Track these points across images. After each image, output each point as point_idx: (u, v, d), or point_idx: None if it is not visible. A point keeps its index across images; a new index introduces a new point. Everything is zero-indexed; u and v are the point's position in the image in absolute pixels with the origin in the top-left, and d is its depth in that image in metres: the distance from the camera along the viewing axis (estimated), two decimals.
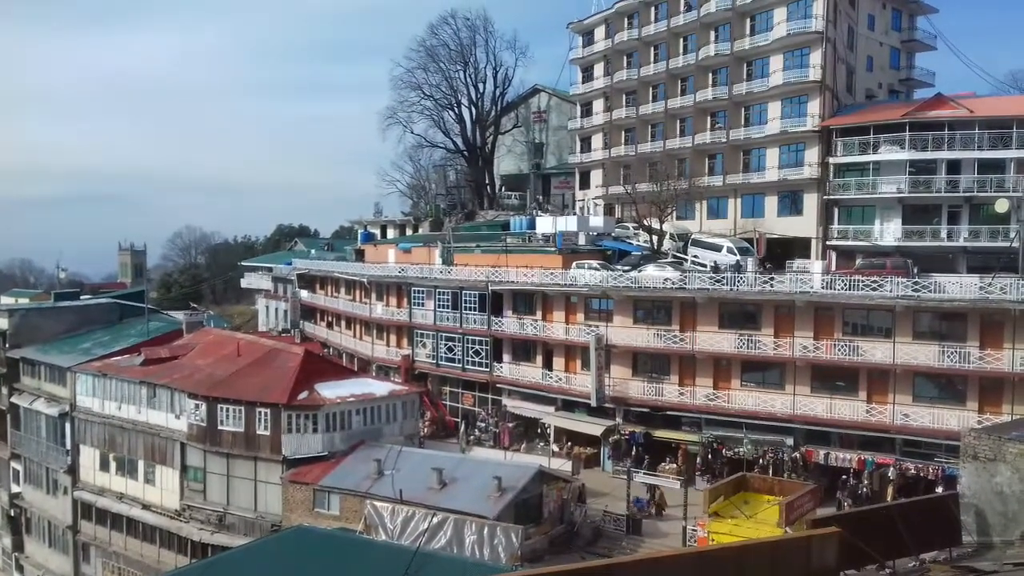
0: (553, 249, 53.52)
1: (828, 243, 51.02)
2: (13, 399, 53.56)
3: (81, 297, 68.48)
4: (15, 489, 54.20)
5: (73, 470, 48.24)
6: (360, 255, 72.75)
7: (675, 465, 42.71)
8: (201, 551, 39.77)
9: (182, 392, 41.86)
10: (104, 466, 46.61)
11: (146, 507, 43.70)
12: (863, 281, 38.67)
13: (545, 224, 59.19)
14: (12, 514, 54.65)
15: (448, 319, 54.68)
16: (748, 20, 56.36)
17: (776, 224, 53.86)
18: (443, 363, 55.43)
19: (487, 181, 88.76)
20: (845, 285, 38.98)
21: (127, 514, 44.59)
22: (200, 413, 40.51)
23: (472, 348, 53.37)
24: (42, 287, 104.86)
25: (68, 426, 48.47)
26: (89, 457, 47.50)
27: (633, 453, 43.92)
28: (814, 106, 52.03)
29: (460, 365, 54.20)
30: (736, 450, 41.12)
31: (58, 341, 53.45)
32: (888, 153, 48.50)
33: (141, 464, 44.34)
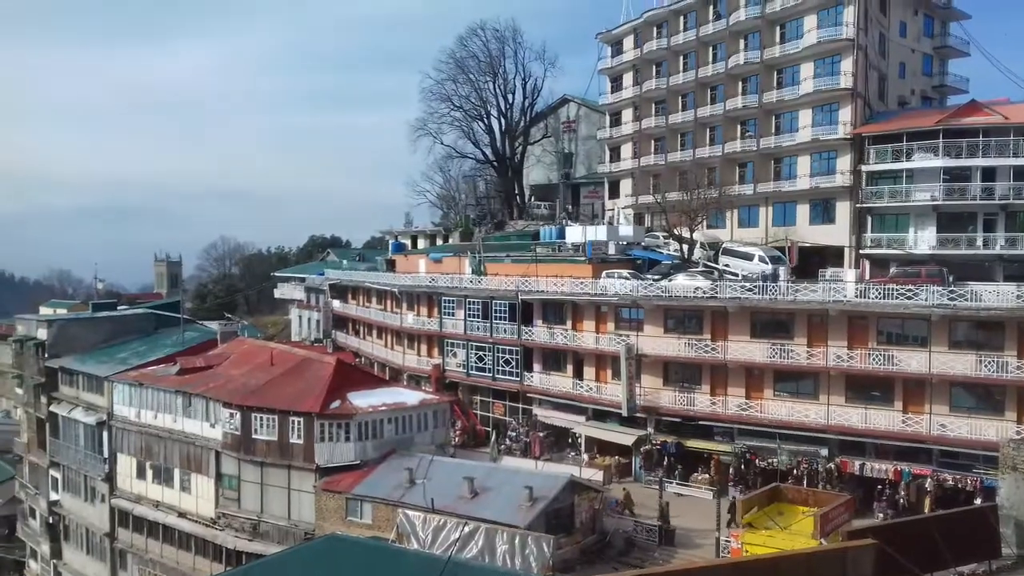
0: (583, 259, 53.52)
1: (861, 252, 50.53)
2: (52, 408, 54.47)
3: (118, 307, 69.63)
4: (53, 497, 55.06)
5: (110, 478, 48.97)
6: (391, 265, 73.24)
7: (708, 475, 42.45)
8: (236, 559, 40.22)
9: (217, 401, 42.38)
10: (141, 474, 47.29)
11: (182, 515, 44.25)
12: (897, 290, 38.23)
13: (575, 234, 59.23)
14: (51, 521, 55.51)
15: (478, 329, 54.85)
16: (778, 28, 56.12)
17: (808, 233, 53.47)
18: (473, 372, 55.58)
19: (516, 191, 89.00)
20: (879, 294, 38.57)
21: (163, 522, 45.18)
22: (234, 422, 40.99)
23: (502, 357, 53.49)
24: (80, 298, 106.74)
25: (105, 435, 49.22)
26: (126, 465, 48.21)
27: (665, 463, 43.72)
28: (846, 113, 51.66)
29: (491, 374, 54.31)
30: (770, 460, 40.77)
31: (96, 351, 54.34)
32: (922, 160, 47.99)
33: (177, 472, 44.92)
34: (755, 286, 42.29)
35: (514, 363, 52.78)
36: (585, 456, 47.04)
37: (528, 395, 52.26)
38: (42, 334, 56.13)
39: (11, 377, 70.87)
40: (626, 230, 59.80)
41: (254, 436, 40.34)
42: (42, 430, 56.46)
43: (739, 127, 59.33)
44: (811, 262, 51.05)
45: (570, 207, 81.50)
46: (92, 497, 51.01)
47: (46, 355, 55.10)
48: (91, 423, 50.15)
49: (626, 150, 70.20)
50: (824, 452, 39.43)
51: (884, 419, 38.13)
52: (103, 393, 49.57)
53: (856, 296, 39.27)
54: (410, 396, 43.89)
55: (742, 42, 58.45)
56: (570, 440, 49.50)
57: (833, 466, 38.90)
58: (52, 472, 55.23)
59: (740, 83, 58.89)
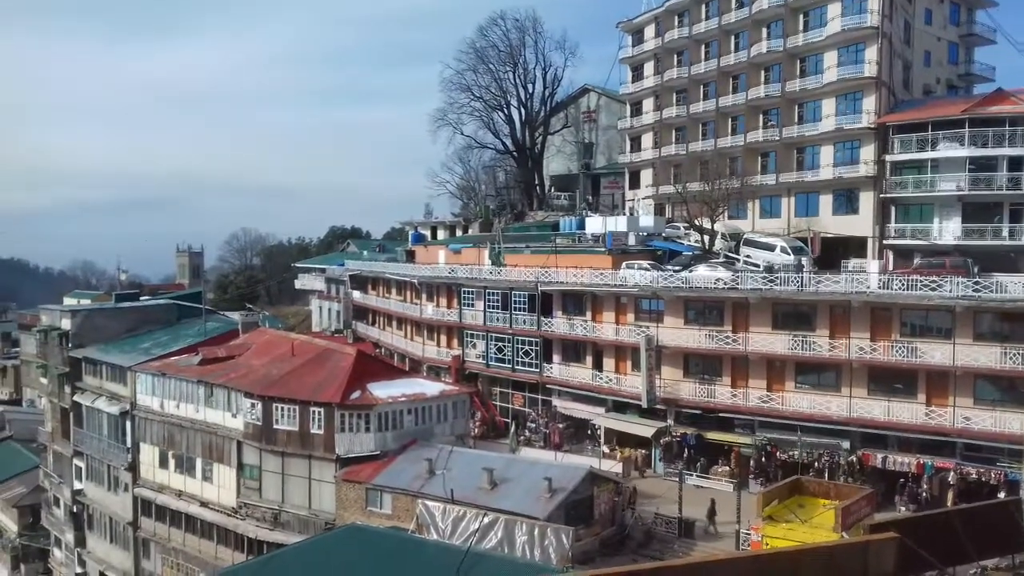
0: (603, 249, 53.35)
1: (885, 242, 49.96)
2: (76, 398, 55.00)
3: (141, 298, 70.16)
4: (77, 486, 55.61)
5: (133, 467, 49.41)
6: (411, 256, 73.33)
7: (728, 468, 42.25)
8: (257, 548, 40.49)
9: (238, 391, 42.64)
10: (163, 464, 47.70)
11: (204, 504, 44.60)
12: (921, 281, 37.84)
13: (595, 224, 59.05)
14: (75, 510, 56.08)
15: (498, 320, 54.85)
16: (801, 16, 55.50)
17: (831, 223, 52.94)
18: (493, 363, 55.60)
19: (536, 182, 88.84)
20: (903, 285, 38.18)
21: (185, 511, 45.55)
22: (256, 412, 41.24)
23: (522, 349, 53.45)
24: (103, 288, 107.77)
25: (129, 424, 49.64)
26: (149, 455, 48.64)
27: (685, 455, 43.56)
28: (870, 103, 51.04)
29: (510, 366, 54.31)
30: (790, 453, 40.51)
31: (119, 341, 54.76)
32: (947, 150, 47.35)
33: (199, 462, 45.27)
34: (777, 277, 41.96)
35: (534, 354, 52.74)
36: (605, 448, 46.97)
37: (547, 386, 52.22)
38: (66, 324, 56.64)
39: (36, 367, 71.64)
40: (646, 221, 59.52)
41: (275, 426, 40.56)
42: (66, 419, 57.02)
43: (761, 116, 58.81)
44: (834, 253, 50.53)
45: (590, 197, 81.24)
46: (115, 486, 51.50)
47: (70, 345, 55.59)
48: (114, 413, 50.59)
49: (647, 140, 69.79)
50: (846, 445, 39.13)
51: (907, 412, 37.78)
52: (126, 383, 49.99)
53: (879, 287, 38.90)
54: (430, 387, 43.96)
55: (765, 30, 57.87)
56: (589, 432, 49.44)
57: (855, 459, 38.62)
58: (76, 461, 55.78)
59: (763, 72, 58.33)
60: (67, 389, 56.25)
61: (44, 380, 63.98)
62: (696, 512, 36.57)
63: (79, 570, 55.98)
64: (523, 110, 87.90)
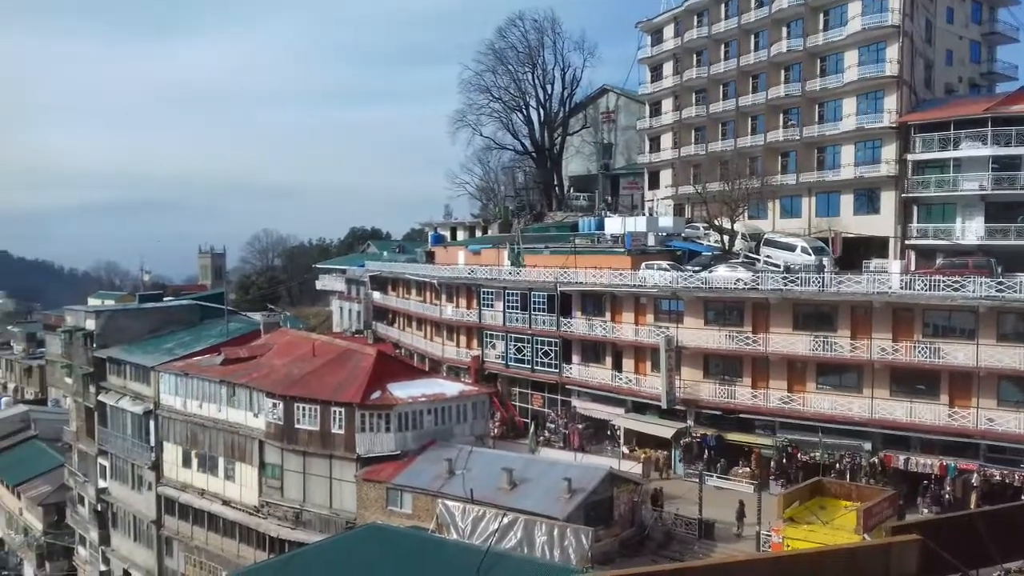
0: (622, 250, 53.28)
1: (907, 242, 49.64)
2: (100, 397, 55.56)
3: (164, 299, 70.79)
4: (102, 484, 56.15)
5: (157, 466, 49.88)
6: (430, 257, 73.57)
7: (748, 469, 42.10)
8: (279, 547, 40.74)
9: (260, 391, 42.95)
10: (186, 463, 48.12)
11: (226, 503, 44.98)
12: (944, 281, 37.53)
13: (614, 225, 59.00)
14: (99, 509, 56.63)
15: (517, 320, 54.92)
16: (821, 15, 55.23)
17: (852, 223, 52.65)
18: (512, 364, 55.68)
19: (555, 182, 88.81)
20: (925, 285, 37.90)
21: (208, 509, 45.95)
22: (277, 412, 41.53)
23: (541, 349, 53.50)
24: (127, 289, 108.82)
25: (152, 423, 50.11)
26: (172, 454, 49.09)
27: (705, 456, 43.44)
28: (891, 102, 50.70)
29: (529, 366, 54.37)
30: (811, 454, 40.29)
31: (142, 341, 55.26)
32: (970, 149, 46.94)
33: (221, 461, 45.64)
34: (797, 277, 41.77)
35: (553, 355, 52.76)
36: (624, 448, 46.93)
37: (567, 387, 52.24)
38: (90, 325, 57.21)
39: (61, 367, 72.45)
40: (666, 221, 59.40)
41: (296, 426, 40.84)
42: (91, 419, 57.60)
43: (782, 116, 58.54)
44: (855, 253, 50.30)
45: (609, 198, 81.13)
46: (139, 485, 52.00)
47: (94, 345, 56.14)
48: (138, 412, 51.09)
49: (666, 140, 69.65)
50: (868, 446, 38.89)
51: (930, 413, 37.50)
52: (150, 383, 50.47)
53: (901, 287, 38.62)
54: (449, 387, 44.10)
55: (784, 29, 57.62)
56: (609, 432, 49.42)
57: (877, 460, 38.36)
58: (100, 460, 56.33)
59: (783, 71, 58.08)
60: (92, 389, 56.80)
61: (69, 380, 64.69)
62: (716, 513, 36.49)
63: (103, 568, 56.57)
64: (542, 111, 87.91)
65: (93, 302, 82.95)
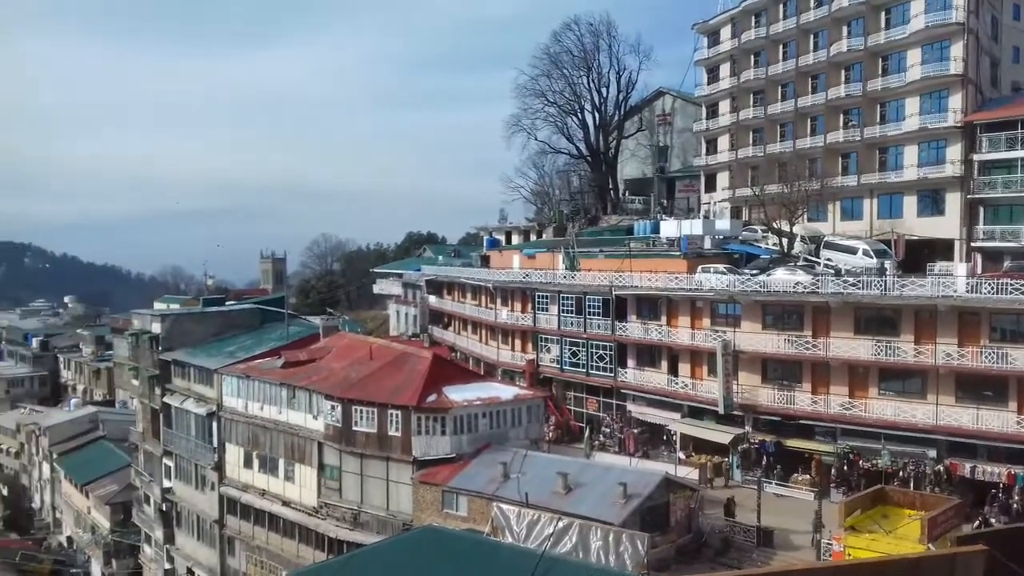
0: (678, 253, 52.87)
1: (973, 245, 48.37)
2: (165, 399, 56.99)
3: (226, 303, 72.32)
4: (166, 484, 57.55)
5: (219, 467, 50.97)
6: (486, 261, 73.89)
7: (808, 476, 41.39)
8: (337, 547, 41.32)
9: (319, 394, 43.60)
10: (248, 463, 49.08)
11: (286, 503, 45.75)
12: (1012, 284, 36.43)
13: (669, 228, 58.52)
14: (164, 508, 58.01)
15: (572, 324, 54.85)
16: (883, 13, 54.20)
17: (915, 225, 51.49)
18: (567, 368, 55.61)
19: (610, 186, 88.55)
20: (992, 289, 36.82)
21: (269, 510, 46.79)
22: (336, 414, 42.14)
23: (596, 353, 53.33)
24: (191, 293, 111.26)
25: (215, 425, 51.22)
26: (234, 455, 50.12)
27: (764, 463, 42.83)
28: (955, 101, 49.50)
29: (584, 370, 54.24)
30: (874, 462, 39.43)
31: (206, 344, 56.55)
32: None
33: (281, 462, 46.46)
34: (859, 281, 40.95)
35: (608, 359, 52.57)
36: (680, 454, 46.52)
37: (622, 391, 51.99)
38: (156, 328, 58.72)
39: (128, 369, 74.53)
40: (722, 224, 58.75)
41: (354, 428, 41.38)
42: (156, 420, 59.07)
43: (842, 116, 57.59)
44: (919, 256, 49.13)
45: (665, 201, 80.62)
46: (202, 485, 53.18)
47: (160, 348, 57.61)
48: (202, 414, 52.26)
49: (723, 142, 68.97)
50: (932, 454, 37.91)
51: (997, 420, 36.38)
52: (213, 385, 51.60)
53: (967, 291, 37.59)
54: (504, 391, 44.22)
55: (845, 29, 56.66)
56: (665, 437, 49.03)
57: (942, 468, 37.37)
58: (165, 460, 57.72)
59: (843, 71, 57.12)
60: (157, 391, 58.28)
61: (135, 382, 66.54)
62: (775, 521, 35.93)
63: (168, 566, 57.94)
64: (597, 114, 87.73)
65: (159, 306, 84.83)
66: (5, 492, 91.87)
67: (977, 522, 33.03)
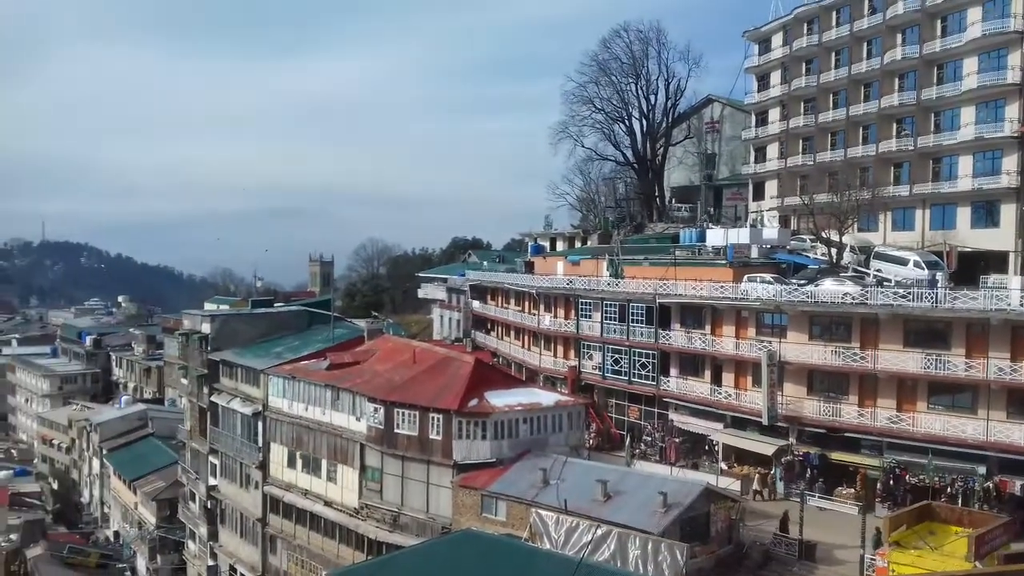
0: (723, 262, 52.35)
1: None
2: (213, 398, 57.96)
3: (274, 304, 73.36)
4: (212, 482, 58.46)
5: (264, 466, 51.67)
6: (529, 267, 73.97)
7: (853, 490, 40.65)
8: (377, 548, 41.65)
9: (363, 396, 43.98)
10: (291, 463, 49.71)
11: (327, 504, 46.23)
12: None
13: (716, 236, 58.03)
14: (208, 505, 58.93)
15: (615, 331, 54.65)
16: (939, 21, 53.25)
17: (969, 236, 50.38)
18: (609, 375, 55.41)
19: (657, 193, 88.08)
20: None
21: (311, 509, 47.32)
22: (378, 416, 42.50)
23: (639, 361, 53.06)
24: (240, 295, 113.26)
25: (260, 424, 51.94)
26: (278, 454, 50.79)
27: (808, 475, 42.18)
28: (1012, 110, 48.37)
29: (626, 378, 54.00)
30: (920, 477, 38.60)
31: (253, 345, 57.36)
32: None
33: (324, 463, 46.97)
34: (909, 293, 40.17)
35: (650, 367, 52.27)
36: (723, 464, 46.04)
37: (664, 399, 51.63)
38: (206, 328, 59.75)
39: (177, 368, 76.02)
40: (770, 233, 58.03)
41: (396, 431, 41.69)
42: (204, 419, 60.04)
43: (895, 125, 56.68)
44: (972, 268, 48.00)
45: (712, 209, 79.95)
46: (247, 483, 53.95)
47: (209, 348, 58.56)
48: (248, 413, 53.03)
49: (772, 150, 68.29)
50: (982, 470, 36.97)
51: None
52: (259, 385, 52.36)
53: (1021, 305, 36.66)
54: (545, 397, 44.20)
55: (899, 36, 55.78)
56: (707, 447, 48.56)
57: (991, 485, 36.44)
58: (211, 458, 58.63)
59: (896, 79, 56.29)
60: (205, 390, 59.27)
61: (184, 381, 67.81)
62: (818, 535, 35.37)
63: (211, 563, 58.85)
64: (644, 121, 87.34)
65: (209, 307, 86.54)
66: (56, 486, 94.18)
67: None
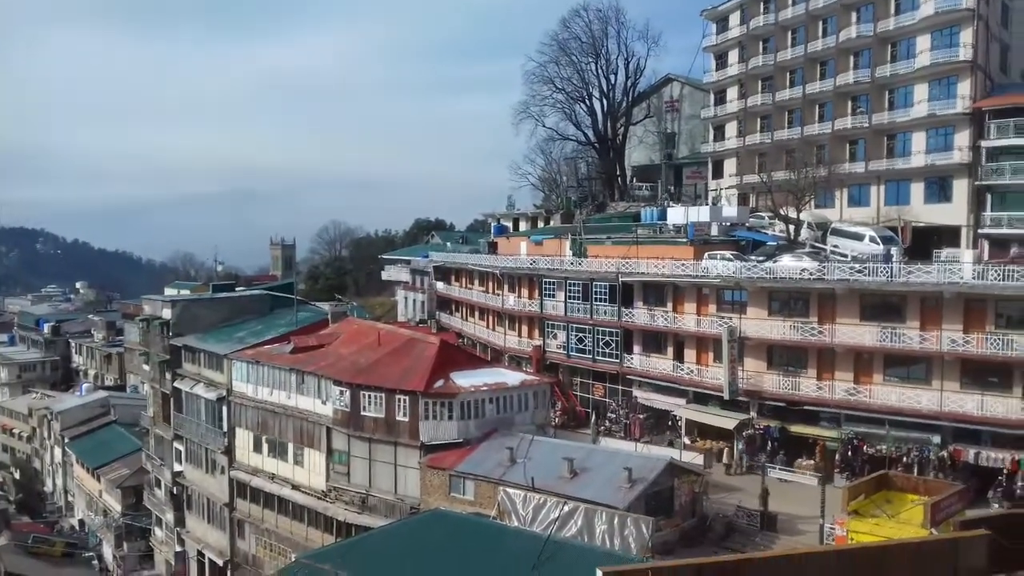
0: (684, 240, 52.99)
1: (980, 231, 48.36)
2: (176, 384, 57.43)
3: (236, 289, 72.67)
4: (177, 468, 58.00)
5: (229, 451, 51.42)
6: (493, 248, 74.07)
7: (812, 461, 41.64)
8: (346, 531, 41.80)
9: (328, 379, 43.95)
10: (257, 448, 49.54)
11: (295, 487, 46.21)
12: (1018, 271, 36.50)
13: (676, 215, 58.61)
14: (174, 491, 58.52)
15: (579, 310, 55.09)
16: (892, 0, 53.92)
17: (923, 212, 51.47)
18: (574, 354, 55.89)
19: (618, 172, 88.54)
20: (998, 276, 36.90)
21: (278, 493, 47.28)
22: (344, 399, 42.51)
23: (602, 339, 53.59)
24: (201, 279, 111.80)
25: (225, 409, 51.63)
26: (244, 439, 50.57)
27: (768, 448, 43.09)
28: (964, 87, 49.37)
29: (591, 356, 54.51)
30: (878, 447, 39.68)
31: (215, 330, 56.88)
32: None
33: (291, 447, 46.90)
34: (865, 267, 41.05)
35: (614, 345, 52.82)
36: (686, 439, 46.81)
37: (628, 377, 52.26)
38: (167, 314, 59.08)
39: (139, 354, 75.08)
40: (729, 211, 58.79)
41: (363, 413, 41.75)
42: (167, 405, 59.53)
43: (850, 103, 57.47)
44: (926, 242, 49.17)
45: (672, 188, 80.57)
46: (213, 469, 53.67)
47: (170, 334, 57.93)
48: (212, 398, 52.68)
49: (731, 129, 68.89)
50: (936, 440, 38.11)
51: (1002, 406, 36.56)
52: (223, 370, 52.00)
53: (973, 278, 37.68)
54: (511, 377, 44.52)
55: (854, 15, 56.48)
56: (670, 423, 49.32)
57: (946, 454, 37.60)
58: (176, 444, 58.18)
59: (852, 57, 56.99)
60: (167, 376, 58.70)
61: (146, 367, 67.04)
62: (779, 505, 36.23)
63: (178, 548, 58.51)
64: (605, 101, 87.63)
65: (169, 292, 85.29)
66: (17, 476, 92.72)
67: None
